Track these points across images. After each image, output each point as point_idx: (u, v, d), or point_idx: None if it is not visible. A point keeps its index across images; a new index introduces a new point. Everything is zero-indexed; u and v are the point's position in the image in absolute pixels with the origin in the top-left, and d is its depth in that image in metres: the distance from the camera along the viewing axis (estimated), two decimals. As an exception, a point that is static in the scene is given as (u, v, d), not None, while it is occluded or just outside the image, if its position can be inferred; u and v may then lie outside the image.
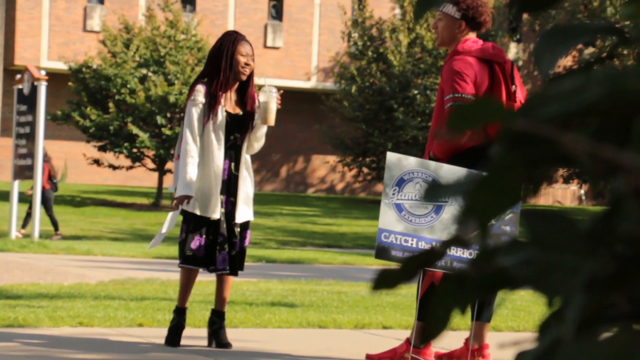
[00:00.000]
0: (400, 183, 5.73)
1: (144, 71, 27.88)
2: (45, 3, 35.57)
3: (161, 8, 29.15)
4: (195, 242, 6.39)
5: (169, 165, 29.34)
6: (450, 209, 5.76)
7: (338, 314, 8.32)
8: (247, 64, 6.51)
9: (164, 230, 6.45)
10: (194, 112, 6.41)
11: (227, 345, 6.44)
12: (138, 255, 16.34)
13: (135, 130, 26.86)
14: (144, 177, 35.71)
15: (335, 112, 33.49)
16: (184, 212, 6.46)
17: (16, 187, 17.46)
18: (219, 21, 36.70)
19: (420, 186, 5.74)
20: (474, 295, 1.01)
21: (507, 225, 5.62)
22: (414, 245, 5.72)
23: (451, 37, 6.02)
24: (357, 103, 32.30)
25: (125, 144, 27.42)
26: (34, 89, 16.87)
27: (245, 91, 6.56)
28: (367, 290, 7.13)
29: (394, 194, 5.71)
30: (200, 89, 6.43)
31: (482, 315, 5.97)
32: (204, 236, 6.41)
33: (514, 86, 6.00)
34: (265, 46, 37.83)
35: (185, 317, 6.56)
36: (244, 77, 6.52)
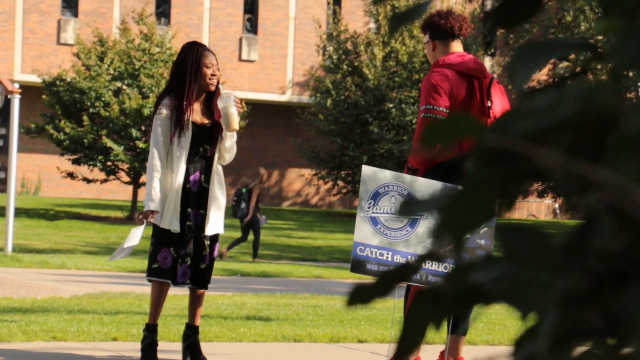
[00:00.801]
0: (376, 196, 5.73)
1: (118, 84, 27.82)
2: (19, 16, 35.44)
3: (135, 21, 29.11)
4: (162, 255, 6.37)
5: (144, 178, 29.24)
6: (426, 223, 5.77)
7: (313, 327, 8.31)
8: (213, 75, 6.46)
9: (126, 244, 6.42)
10: (160, 126, 6.37)
11: (201, 359, 6.42)
12: (112, 269, 16.27)
13: (109, 143, 26.79)
14: (118, 190, 35.59)
15: (311, 125, 33.53)
16: (152, 225, 6.44)
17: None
18: (193, 34, 36.67)
19: (395, 199, 5.75)
20: (449, 310, 1.01)
21: (482, 238, 5.64)
22: (390, 259, 5.72)
23: (433, 58, 6.23)
24: (332, 116, 32.35)
25: (100, 157, 27.34)
26: (7, 102, 16.79)
27: (212, 101, 6.52)
28: (342, 304, 7.13)
29: (369, 208, 5.72)
30: (166, 103, 6.39)
31: (458, 329, 5.98)
32: (170, 248, 6.37)
33: (489, 102, 6.06)
34: (240, 59, 37.83)
35: (157, 333, 6.49)
36: (212, 88, 6.48)
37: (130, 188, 31.29)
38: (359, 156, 31.73)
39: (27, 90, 29.88)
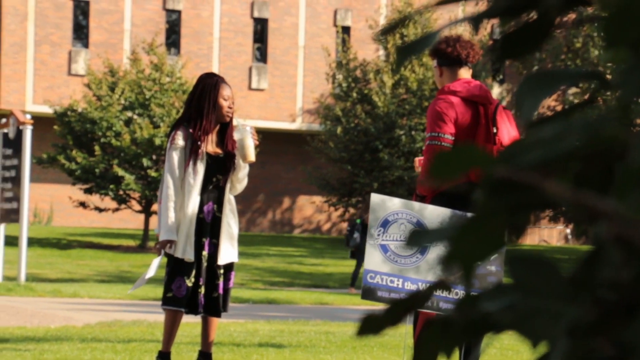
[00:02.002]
0: (385, 224, 5.73)
1: (130, 114, 27.91)
2: (30, 47, 35.64)
3: (146, 51, 29.24)
4: (177, 284, 6.40)
5: (155, 207, 29.26)
6: (436, 250, 5.76)
7: (326, 354, 8.29)
8: (230, 107, 6.54)
9: (147, 275, 6.47)
10: (175, 156, 6.43)
11: None
12: (125, 297, 16.27)
13: (121, 172, 26.85)
14: (130, 219, 35.63)
15: (321, 153, 33.56)
16: (167, 254, 6.47)
17: (2, 231, 17.39)
18: (203, 64, 36.81)
19: (405, 227, 5.75)
20: (459, 339, 1.01)
21: (492, 265, 5.63)
22: (400, 286, 5.72)
23: (440, 84, 6.24)
24: (342, 144, 32.38)
25: (111, 186, 27.39)
26: (19, 133, 16.86)
27: (225, 132, 6.57)
28: (353, 331, 7.12)
29: (379, 235, 5.72)
30: (180, 133, 6.44)
31: (470, 357, 5.95)
32: (185, 277, 6.40)
33: (495, 128, 6.06)
34: (250, 88, 37.94)
35: None
36: (228, 119, 6.55)
37: (141, 217, 31.31)
38: (370, 183, 31.73)
39: (39, 121, 30.00)
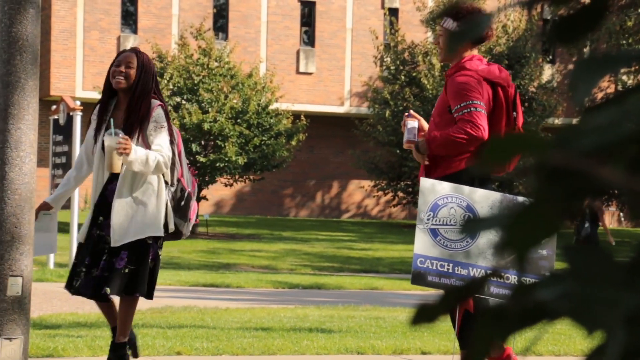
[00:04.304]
0: (435, 208, 5.72)
1: (178, 99, 28.04)
2: (79, 34, 35.92)
3: (194, 36, 29.34)
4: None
5: (204, 192, 29.44)
6: (486, 234, 5.73)
7: (376, 339, 8.29)
8: (118, 72, 6.10)
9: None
10: (88, 132, 6.24)
11: None
12: (175, 283, 16.38)
13: (170, 158, 26.99)
14: (179, 205, 35.79)
15: (369, 136, 33.50)
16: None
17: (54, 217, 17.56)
18: (251, 48, 36.87)
19: (454, 211, 5.72)
20: (513, 328, 1.01)
21: (544, 248, 5.59)
22: (450, 271, 5.70)
23: (450, 54, 5.94)
24: (391, 127, 32.30)
25: (161, 172, 27.55)
26: (69, 119, 17.01)
27: (133, 105, 6.13)
28: (405, 318, 7.11)
29: (428, 219, 5.70)
30: (95, 110, 6.22)
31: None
32: (74, 261, 6.18)
33: (514, 112, 5.93)
34: (298, 72, 37.94)
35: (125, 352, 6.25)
36: (119, 85, 6.09)
37: (191, 202, 31.47)
38: (419, 166, 31.61)
39: (89, 106, 30.23)
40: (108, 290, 6.05)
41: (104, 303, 6.23)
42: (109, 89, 6.20)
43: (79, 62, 36.01)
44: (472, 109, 5.73)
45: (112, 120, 6.12)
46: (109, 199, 6.11)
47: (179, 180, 6.29)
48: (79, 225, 17.79)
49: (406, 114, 6.09)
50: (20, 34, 5.15)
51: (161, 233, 6.22)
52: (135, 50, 6.25)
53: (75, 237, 17.31)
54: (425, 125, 6.05)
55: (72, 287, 6.11)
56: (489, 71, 5.85)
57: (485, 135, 5.70)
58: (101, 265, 6.03)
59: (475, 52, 5.95)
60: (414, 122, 6.01)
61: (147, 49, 33.28)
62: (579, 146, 0.89)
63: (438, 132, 5.76)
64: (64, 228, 21.65)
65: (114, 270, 6.06)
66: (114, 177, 6.12)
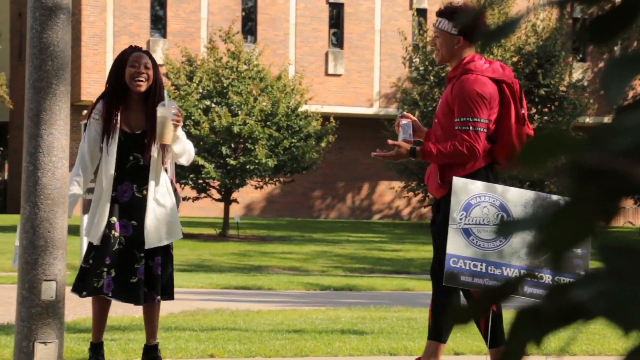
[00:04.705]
0: (468, 207, 5.70)
1: (208, 102, 28.11)
2: (109, 39, 36.10)
3: (223, 40, 29.41)
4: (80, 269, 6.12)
5: (235, 195, 29.51)
6: (521, 234, 5.71)
7: (409, 340, 8.28)
8: (138, 73, 6.04)
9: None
10: (88, 132, 6.07)
11: None
12: (206, 286, 16.43)
13: (200, 161, 27.08)
14: (210, 208, 35.94)
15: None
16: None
17: (85, 222, 17.66)
18: (280, 50, 36.92)
19: (487, 210, 5.71)
20: (550, 328, 1.01)
21: (579, 248, 5.57)
22: (484, 270, 5.68)
23: (451, 54, 5.90)
24: (420, 128, 32.20)
25: (191, 176, 27.64)
26: (100, 124, 17.07)
27: (148, 106, 6.09)
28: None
29: (461, 219, 5.69)
30: (98, 108, 6.08)
31: (497, 342, 5.91)
32: (90, 261, 6.06)
33: (522, 109, 5.91)
34: (326, 74, 37.95)
35: (103, 352, 6.21)
36: (139, 89, 6.06)
37: (221, 205, 31.56)
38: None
39: (119, 111, 30.37)
40: (159, 297, 6.14)
41: (146, 308, 6.24)
42: (120, 88, 6.09)
43: (109, 66, 36.16)
44: (472, 127, 5.74)
45: (167, 91, 6.18)
46: (119, 199, 6.08)
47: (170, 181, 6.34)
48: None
49: (399, 115, 6.09)
50: (51, 40, 5.19)
51: (182, 235, 6.27)
52: (144, 50, 6.21)
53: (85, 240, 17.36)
54: (420, 125, 6.06)
55: (90, 288, 6.03)
56: (493, 70, 5.85)
57: (479, 157, 5.76)
58: (141, 270, 6.05)
59: (473, 51, 5.93)
60: (408, 122, 6.02)
61: (176, 53, 33.43)
62: (613, 146, 0.88)
63: (435, 148, 5.77)
64: (75, 230, 21.73)
65: (154, 276, 6.09)
66: (123, 178, 6.09)
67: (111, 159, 6.03)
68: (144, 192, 6.11)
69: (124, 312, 11.50)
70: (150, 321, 6.25)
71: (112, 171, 6.04)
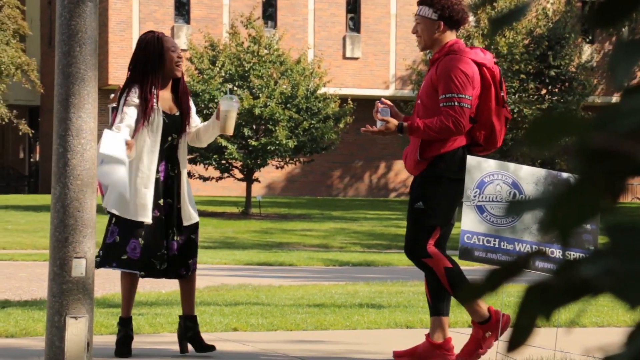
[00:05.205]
0: (481, 185, 5.69)
1: (230, 86, 28.10)
2: (135, 25, 36.11)
3: (244, 25, 29.37)
4: (131, 245, 6.02)
5: (257, 174, 29.53)
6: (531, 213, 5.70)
7: (424, 314, 8.29)
8: (179, 58, 6.11)
9: (103, 149, 5.73)
10: (128, 112, 5.97)
11: (210, 348, 6.11)
12: (230, 262, 16.47)
13: (223, 142, 27.11)
14: (232, 187, 36.01)
15: (415, 118, 33.34)
16: (115, 216, 6.08)
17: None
18: (299, 35, 36.85)
19: (500, 188, 5.70)
20: (558, 303, 1.00)
21: (588, 223, 5.55)
22: (497, 246, 5.68)
23: (432, 39, 5.88)
24: (435, 108, 32.13)
25: (215, 156, 27.68)
26: (127, 107, 17.10)
27: (178, 88, 6.16)
28: (454, 297, 7.09)
29: (475, 196, 5.68)
30: (135, 91, 6.01)
31: (442, 310, 5.93)
32: (139, 239, 6.02)
33: (502, 91, 5.89)
34: (344, 57, 37.87)
35: (132, 326, 6.21)
36: (179, 74, 6.13)
37: (243, 185, 31.61)
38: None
39: (145, 95, 30.40)
40: (192, 270, 6.27)
41: (185, 282, 6.31)
42: (161, 71, 6.06)
43: (135, 52, 36.19)
44: (456, 102, 5.71)
45: (228, 87, 6.36)
46: (161, 180, 6.12)
47: None
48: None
49: (378, 101, 6.05)
50: (79, 26, 5.19)
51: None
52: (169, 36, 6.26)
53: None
54: (397, 111, 6.01)
55: (155, 270, 6.12)
56: (475, 53, 5.84)
57: (464, 132, 5.73)
58: (175, 246, 6.13)
59: (454, 36, 5.90)
60: (386, 107, 5.98)
61: (199, 38, 33.42)
62: (619, 127, 0.88)
63: (422, 123, 5.73)
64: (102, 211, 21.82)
65: (188, 250, 6.19)
66: (160, 158, 6.09)
67: (156, 139, 6.05)
68: (175, 171, 6.17)
69: (151, 287, 11.55)
70: (189, 294, 6.31)
71: (157, 152, 6.07)
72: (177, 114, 6.17)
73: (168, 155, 6.15)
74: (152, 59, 6.07)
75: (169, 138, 6.14)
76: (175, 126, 6.15)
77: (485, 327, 5.84)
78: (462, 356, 5.94)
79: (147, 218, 6.04)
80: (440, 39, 5.87)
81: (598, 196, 0.90)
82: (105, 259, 6.08)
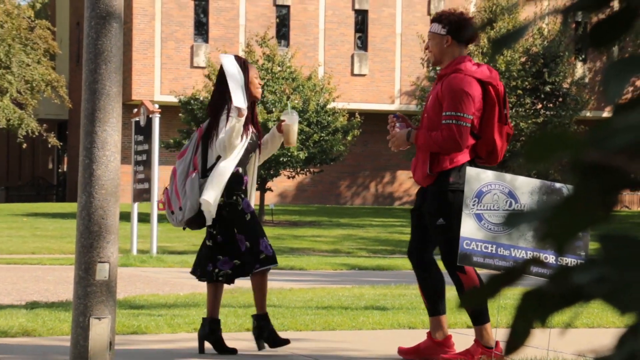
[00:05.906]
0: (480, 195, 5.68)
1: (289, 101, 28.13)
2: (157, 44, 36.20)
3: (259, 44, 29.42)
4: (263, 244, 6.24)
5: (269, 184, 29.54)
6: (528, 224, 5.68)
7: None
8: (260, 84, 6.27)
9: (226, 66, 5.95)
10: (240, 129, 6.06)
11: (285, 341, 6.16)
12: (245, 266, 16.43)
13: (239, 154, 27.10)
14: (247, 196, 35.98)
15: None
16: (244, 222, 6.23)
17: (136, 209, 17.74)
18: (310, 53, 36.89)
19: (497, 197, 5.68)
20: (553, 309, 0.99)
21: (579, 232, 5.53)
22: (494, 252, 5.66)
23: (442, 54, 5.84)
24: (437, 122, 32.08)
25: (231, 167, 27.67)
26: (149, 121, 17.15)
27: (254, 111, 6.28)
28: (454, 303, 7.08)
29: (474, 205, 5.67)
30: (236, 114, 6.03)
31: (440, 310, 5.94)
32: (265, 237, 6.31)
33: (505, 109, 5.84)
34: (352, 74, 37.90)
35: (218, 327, 6.27)
36: (259, 97, 6.31)
37: (257, 193, 31.63)
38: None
39: (166, 109, 30.48)
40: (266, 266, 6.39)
41: (259, 276, 6.41)
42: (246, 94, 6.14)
43: (157, 69, 36.28)
44: (457, 121, 5.67)
45: (289, 102, 7.29)
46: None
47: None
48: (159, 216, 18.02)
49: (393, 115, 6.05)
50: (105, 46, 5.20)
51: None
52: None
53: (155, 227, 17.44)
54: (411, 124, 6.02)
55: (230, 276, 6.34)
56: (481, 72, 5.78)
57: (462, 148, 5.71)
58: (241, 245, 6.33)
59: (462, 49, 5.85)
60: (402, 123, 6.02)
61: (217, 56, 33.46)
62: (613, 144, 0.87)
63: (424, 138, 5.73)
64: (145, 218, 21.86)
65: (254, 247, 6.33)
66: (244, 173, 6.26)
67: (248, 157, 6.23)
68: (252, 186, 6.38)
69: (169, 290, 11.55)
70: (262, 290, 6.33)
71: (233, 166, 6.19)
72: (256, 133, 6.29)
73: (248, 171, 6.29)
74: (239, 82, 6.12)
75: (250, 155, 6.27)
76: (253, 145, 6.28)
77: (484, 351, 5.82)
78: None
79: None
80: (449, 53, 5.81)
81: (592, 209, 0.89)
82: (250, 264, 6.27)
